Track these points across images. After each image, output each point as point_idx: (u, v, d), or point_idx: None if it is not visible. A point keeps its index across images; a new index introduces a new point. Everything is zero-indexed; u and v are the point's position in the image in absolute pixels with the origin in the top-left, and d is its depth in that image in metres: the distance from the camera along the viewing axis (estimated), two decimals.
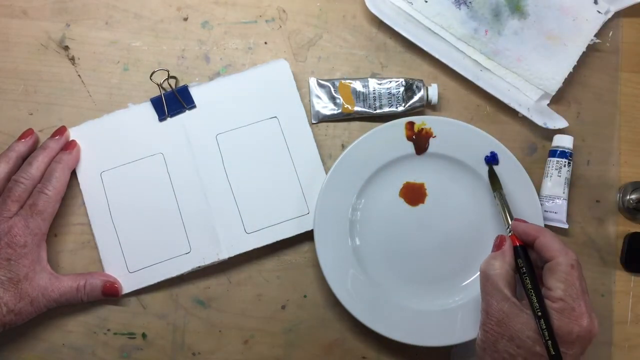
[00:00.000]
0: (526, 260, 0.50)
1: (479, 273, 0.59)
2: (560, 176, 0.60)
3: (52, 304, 0.55)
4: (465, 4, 0.62)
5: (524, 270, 0.49)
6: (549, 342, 0.45)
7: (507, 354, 0.46)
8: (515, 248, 0.51)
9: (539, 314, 0.46)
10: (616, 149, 0.64)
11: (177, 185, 0.59)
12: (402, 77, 0.62)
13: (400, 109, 0.61)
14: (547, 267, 0.48)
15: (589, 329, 0.45)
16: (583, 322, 0.45)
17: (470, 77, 0.61)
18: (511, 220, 0.53)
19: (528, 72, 0.62)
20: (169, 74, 0.61)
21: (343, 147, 0.62)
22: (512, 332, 0.46)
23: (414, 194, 0.60)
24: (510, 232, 0.53)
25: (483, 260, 0.51)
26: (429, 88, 0.61)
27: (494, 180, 0.57)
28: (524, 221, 0.53)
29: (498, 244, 0.52)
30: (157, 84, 0.61)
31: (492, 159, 0.59)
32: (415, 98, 0.61)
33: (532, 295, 0.47)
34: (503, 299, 0.47)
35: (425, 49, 0.61)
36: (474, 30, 0.62)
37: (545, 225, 0.59)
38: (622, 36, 0.65)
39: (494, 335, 0.47)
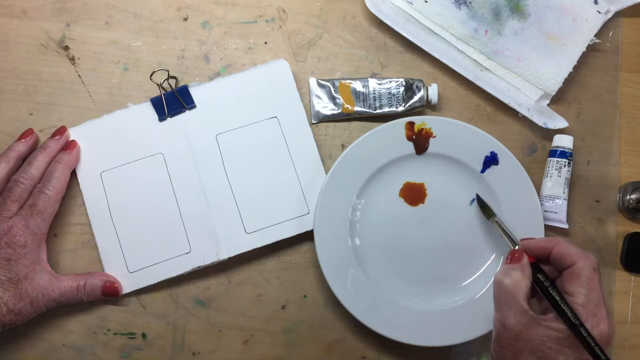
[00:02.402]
0: (545, 274, 0.49)
1: (478, 273, 0.59)
2: (560, 176, 0.60)
3: (52, 303, 0.55)
4: (465, 4, 0.63)
5: (548, 284, 0.48)
6: (596, 347, 0.43)
7: None
8: (532, 264, 0.49)
9: (576, 322, 0.44)
10: (616, 149, 0.64)
11: (177, 185, 0.59)
12: (402, 77, 0.62)
13: (400, 109, 0.61)
14: (567, 273, 0.47)
15: (608, 334, 0.45)
16: (604, 328, 0.45)
17: (470, 77, 0.61)
18: (515, 241, 0.52)
19: (528, 72, 0.62)
20: (169, 74, 0.61)
21: (343, 147, 0.62)
22: (533, 344, 0.45)
23: (414, 194, 0.60)
24: None
25: (498, 271, 0.49)
26: (429, 88, 0.61)
27: (486, 209, 0.57)
28: (531, 238, 0.51)
29: (514, 258, 0.50)
30: (157, 84, 0.61)
31: (492, 159, 0.59)
32: (415, 98, 0.61)
33: (564, 305, 0.46)
34: (521, 312, 0.46)
35: (425, 49, 0.61)
36: (474, 30, 0.62)
37: (545, 226, 0.59)
38: (622, 36, 0.65)
39: (512, 351, 0.46)
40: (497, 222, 0.56)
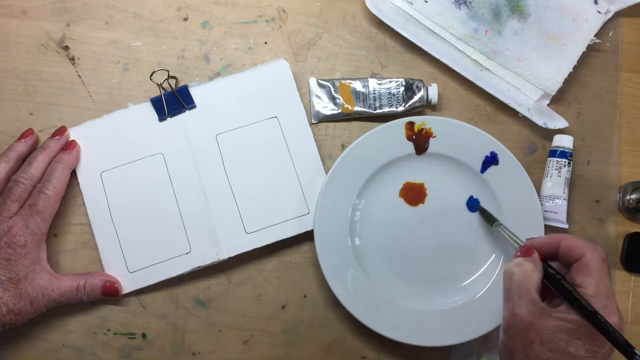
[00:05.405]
0: (554, 269, 0.48)
1: (478, 273, 0.59)
2: (560, 176, 0.60)
3: (52, 303, 0.55)
4: (465, 4, 0.63)
5: (559, 277, 0.47)
6: (612, 329, 0.42)
7: None
8: (542, 261, 0.49)
9: (592, 310, 0.44)
10: (616, 149, 0.64)
11: (177, 185, 0.59)
12: (402, 77, 0.62)
13: (400, 109, 0.61)
14: (576, 266, 0.47)
15: (619, 326, 0.44)
16: (614, 319, 0.44)
17: (470, 77, 0.61)
18: (521, 241, 0.52)
19: (528, 72, 0.62)
20: (169, 74, 0.61)
21: (343, 147, 0.62)
22: (543, 335, 0.45)
23: (414, 194, 0.60)
24: None
25: (510, 263, 0.49)
26: (429, 88, 0.61)
27: (488, 216, 0.57)
28: (536, 237, 0.51)
29: (525, 253, 0.49)
30: (157, 84, 0.61)
31: (492, 159, 0.59)
32: (415, 98, 0.61)
33: (578, 295, 0.45)
34: (533, 302, 0.46)
35: (425, 49, 0.61)
36: (474, 30, 0.62)
37: (545, 226, 0.59)
38: (622, 36, 0.65)
39: (521, 342, 0.46)
40: (500, 226, 0.55)
